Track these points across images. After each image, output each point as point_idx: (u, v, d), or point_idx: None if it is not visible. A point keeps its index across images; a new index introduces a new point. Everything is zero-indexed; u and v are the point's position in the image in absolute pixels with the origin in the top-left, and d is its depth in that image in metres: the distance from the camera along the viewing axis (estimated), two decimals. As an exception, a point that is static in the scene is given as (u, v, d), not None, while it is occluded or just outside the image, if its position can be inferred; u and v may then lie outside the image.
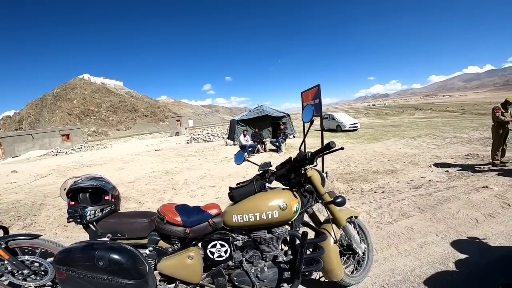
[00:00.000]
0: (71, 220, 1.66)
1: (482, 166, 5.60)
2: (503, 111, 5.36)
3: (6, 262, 1.91)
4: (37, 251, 2.02)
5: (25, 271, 1.95)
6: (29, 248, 2.03)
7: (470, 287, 1.95)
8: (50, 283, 2.05)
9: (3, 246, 1.91)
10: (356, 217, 2.23)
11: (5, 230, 2.20)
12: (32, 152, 24.76)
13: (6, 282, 2.04)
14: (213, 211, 1.77)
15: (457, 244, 2.58)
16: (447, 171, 5.51)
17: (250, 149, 10.55)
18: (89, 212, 1.63)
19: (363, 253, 2.14)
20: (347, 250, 2.06)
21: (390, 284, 2.11)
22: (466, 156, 6.75)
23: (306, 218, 2.08)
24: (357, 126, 16.84)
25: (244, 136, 11.17)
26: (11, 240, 1.95)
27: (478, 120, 15.10)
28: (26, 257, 1.99)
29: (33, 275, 1.99)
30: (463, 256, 2.37)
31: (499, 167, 5.30)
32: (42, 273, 2.01)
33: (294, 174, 1.80)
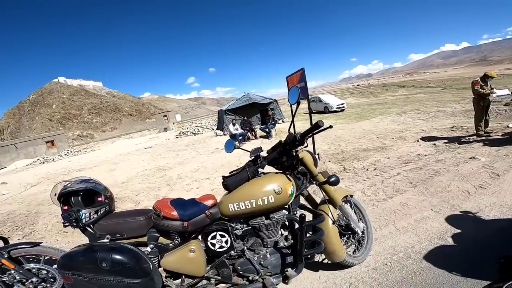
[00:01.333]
0: (67, 224, 1.63)
1: (467, 138, 5.77)
2: (482, 84, 5.56)
3: (13, 271, 1.90)
4: (41, 258, 2.02)
5: (34, 279, 1.94)
6: (33, 256, 2.03)
7: (471, 261, 1.96)
8: None
9: (6, 256, 1.90)
10: (351, 196, 2.25)
11: (5, 240, 2.17)
12: (18, 162, 24.12)
13: None
14: (209, 202, 1.75)
15: (452, 218, 2.62)
16: (434, 144, 5.66)
17: (240, 137, 10.51)
18: (83, 215, 1.61)
19: (362, 232, 2.17)
20: (346, 230, 2.09)
21: (393, 261, 2.13)
22: (451, 128, 6.93)
23: (303, 201, 2.08)
24: (344, 107, 16.97)
25: (234, 125, 11.09)
26: (13, 249, 1.94)
27: (459, 94, 15.42)
28: (32, 265, 1.98)
29: (43, 283, 1.99)
30: (459, 230, 2.40)
31: (484, 138, 5.48)
32: (51, 279, 2.01)
33: (286, 157, 1.79)
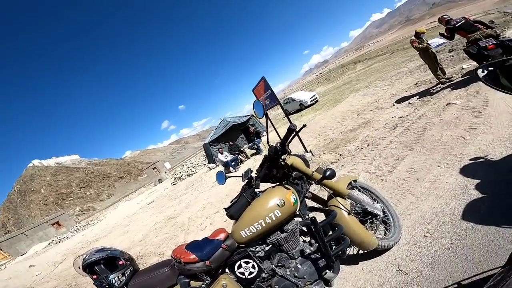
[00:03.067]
0: None
1: (434, 88, 6.03)
2: (418, 40, 6.07)
3: None
4: None
5: None
6: None
7: (509, 207, 1.82)
8: None
9: None
10: (355, 181, 2.24)
11: None
12: (36, 247, 25.56)
13: None
14: (221, 236, 1.79)
15: (464, 169, 2.51)
16: (409, 103, 5.89)
17: (233, 163, 10.48)
18: (113, 279, 1.71)
19: (383, 212, 2.15)
20: (365, 216, 2.07)
21: (431, 231, 2.02)
22: (416, 84, 7.22)
23: (311, 203, 2.09)
24: (316, 98, 17.36)
25: (221, 153, 11.09)
26: None
27: (407, 54, 16.12)
28: None
29: None
30: (478, 180, 2.26)
31: (447, 83, 5.78)
32: None
33: (276, 169, 1.82)
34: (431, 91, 5.92)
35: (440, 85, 5.95)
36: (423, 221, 2.17)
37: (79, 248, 11.34)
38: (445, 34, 5.53)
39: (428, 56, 6.01)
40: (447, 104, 4.47)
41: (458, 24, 5.11)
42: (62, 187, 74.01)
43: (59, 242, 21.01)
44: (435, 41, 6.12)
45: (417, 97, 6.06)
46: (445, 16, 5.64)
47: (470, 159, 2.62)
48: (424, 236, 2.02)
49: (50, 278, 7.30)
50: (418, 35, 6.11)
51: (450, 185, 2.41)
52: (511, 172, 2.16)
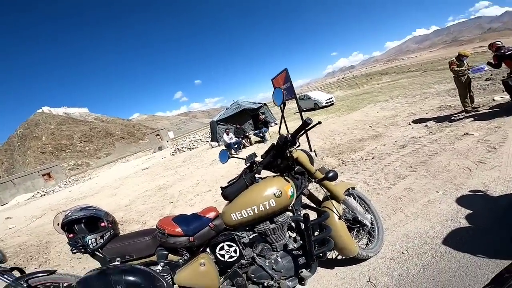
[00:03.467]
0: (75, 251, 1.65)
1: (456, 115, 5.85)
2: (458, 63, 5.76)
3: None
4: (60, 285, 2.06)
5: None
6: (53, 284, 2.07)
7: (488, 242, 1.89)
8: None
9: (25, 285, 1.93)
10: (353, 188, 2.24)
11: (21, 270, 2.22)
12: (19, 197, 24.73)
13: None
14: (211, 215, 1.76)
15: (460, 198, 2.55)
16: (426, 125, 5.74)
17: (235, 145, 10.50)
18: (89, 240, 1.63)
19: (371, 223, 2.16)
20: (354, 223, 2.07)
21: (409, 249, 2.09)
22: (439, 108, 7.03)
23: (305, 200, 2.08)
24: (333, 100, 17.12)
25: (227, 134, 11.09)
26: (30, 278, 1.98)
27: (440, 75, 15.68)
28: None
29: None
30: (470, 210, 2.32)
31: (472, 113, 5.57)
32: None
33: (280, 159, 1.80)
34: (453, 117, 5.75)
35: (464, 113, 5.76)
36: (405, 239, 2.23)
37: (62, 205, 11.22)
38: (492, 61, 5.21)
39: (462, 81, 5.74)
40: (464, 134, 4.35)
41: (508, 53, 4.81)
42: (63, 137, 75.58)
43: (44, 195, 20.41)
44: (475, 67, 5.84)
45: (436, 121, 5.90)
46: (497, 42, 5.30)
47: (470, 191, 2.67)
48: (402, 253, 2.08)
49: (23, 232, 7.17)
50: (460, 57, 5.77)
51: (442, 210, 2.48)
52: (504, 210, 2.22)
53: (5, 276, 2.00)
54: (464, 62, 5.76)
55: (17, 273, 2.15)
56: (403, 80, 19.27)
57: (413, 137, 5.14)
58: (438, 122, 5.76)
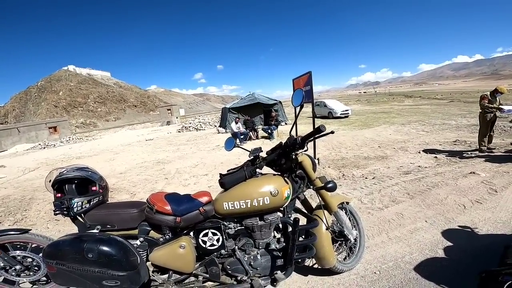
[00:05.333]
0: (58, 212, 1.61)
1: (469, 152, 5.71)
2: (491, 99, 5.51)
3: None
4: (28, 246, 1.97)
5: (17, 267, 1.90)
6: (20, 243, 1.98)
7: (458, 275, 1.98)
8: (44, 278, 2.01)
9: None
10: (347, 203, 2.23)
11: None
12: (19, 146, 24.00)
13: (1, 279, 2.00)
14: (204, 199, 1.74)
15: (446, 231, 2.63)
16: (436, 157, 5.62)
17: (242, 136, 10.52)
18: (76, 203, 1.58)
19: (355, 239, 2.16)
20: (339, 236, 2.07)
21: (382, 270, 2.14)
22: (454, 142, 6.88)
23: (298, 204, 2.07)
24: (348, 113, 16.92)
25: (236, 123, 11.10)
26: (0, 235, 1.89)
27: (466, 107, 15.32)
28: (18, 252, 1.93)
29: (26, 271, 1.95)
30: (451, 243, 2.40)
31: (486, 153, 5.43)
32: (35, 268, 1.97)
33: (284, 159, 1.78)
34: (465, 154, 5.63)
35: (477, 151, 5.62)
36: (382, 260, 2.28)
37: (59, 161, 11.06)
38: None
39: (487, 118, 5.53)
40: (470, 172, 4.28)
41: None
42: (79, 95, 76.86)
43: (44, 148, 19.77)
44: (507, 107, 5.58)
45: (447, 154, 5.77)
46: None
47: (458, 226, 2.74)
48: (374, 272, 2.13)
49: (11, 184, 6.96)
50: (495, 92, 5.50)
51: (424, 239, 2.55)
52: (484, 249, 2.28)
53: None
54: (497, 98, 5.53)
55: None
56: (426, 107, 18.87)
57: (419, 166, 5.06)
58: (449, 156, 5.63)
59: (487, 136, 5.58)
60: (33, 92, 76.25)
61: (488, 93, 5.63)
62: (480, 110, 5.72)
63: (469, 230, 2.62)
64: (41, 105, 68.95)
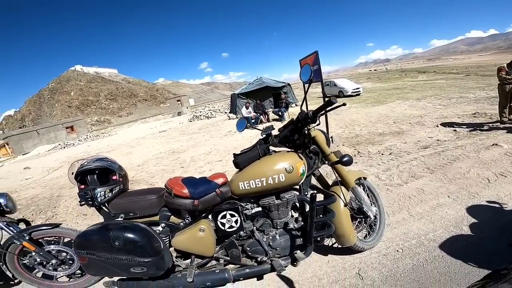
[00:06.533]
0: (83, 203, 1.65)
1: (490, 124, 5.48)
2: (508, 70, 5.30)
3: (33, 254, 1.96)
4: (60, 240, 2.07)
5: (54, 261, 2.01)
6: (53, 238, 2.08)
7: (485, 251, 1.89)
8: (79, 271, 2.12)
9: (27, 238, 1.95)
10: (365, 178, 2.19)
11: (27, 223, 2.25)
12: (40, 148, 25.09)
13: (39, 274, 2.11)
14: (220, 180, 1.74)
15: (470, 207, 2.50)
16: (455, 130, 5.41)
17: (253, 120, 10.53)
18: (99, 193, 1.62)
19: (375, 216, 2.12)
20: (358, 213, 2.04)
21: (405, 248, 2.08)
22: (473, 114, 6.58)
23: (314, 182, 2.04)
24: (359, 91, 16.42)
25: (247, 108, 11.06)
26: (34, 231, 2.00)
27: (484, 81, 14.49)
28: (52, 246, 2.04)
29: (62, 265, 2.05)
30: (476, 219, 2.29)
31: (507, 125, 5.20)
32: (70, 261, 2.07)
33: (297, 135, 1.74)
34: (486, 126, 5.39)
35: (499, 123, 5.39)
36: (404, 238, 2.22)
37: (80, 158, 11.83)
38: None
39: (506, 90, 5.33)
40: (493, 144, 4.07)
41: None
42: (91, 94, 78.38)
43: (64, 147, 20.75)
44: None
45: (467, 127, 5.54)
46: None
47: (482, 201, 2.60)
48: (397, 251, 2.07)
49: (38, 184, 7.22)
50: (511, 64, 5.31)
51: (448, 215, 2.44)
52: (510, 224, 2.17)
53: (10, 228, 2.00)
54: None
55: (23, 226, 2.18)
56: (441, 81, 17.99)
57: (438, 140, 4.88)
58: (469, 128, 5.41)
59: (507, 107, 5.35)
60: (45, 95, 78.45)
61: (505, 64, 5.41)
62: (499, 82, 5.51)
63: (494, 205, 2.48)
64: (55, 106, 70.99)
